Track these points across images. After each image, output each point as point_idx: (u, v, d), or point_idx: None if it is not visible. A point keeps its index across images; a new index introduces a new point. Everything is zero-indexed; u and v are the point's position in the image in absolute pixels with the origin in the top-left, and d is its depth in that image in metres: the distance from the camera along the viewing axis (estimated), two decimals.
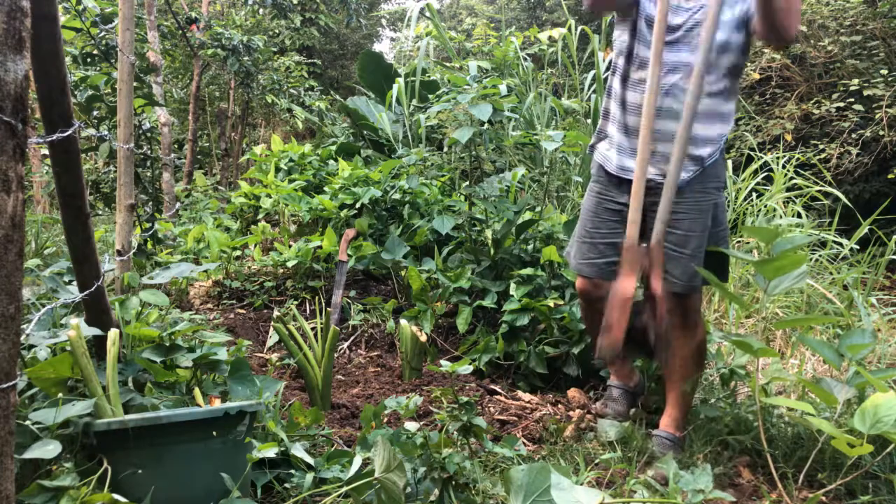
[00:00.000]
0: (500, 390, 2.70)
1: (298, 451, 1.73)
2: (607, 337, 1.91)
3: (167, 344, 1.93)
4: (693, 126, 1.93)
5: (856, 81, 5.82)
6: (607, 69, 2.63)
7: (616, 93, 2.16)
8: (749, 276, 3.81)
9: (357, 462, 1.53)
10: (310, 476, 1.64)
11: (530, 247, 3.25)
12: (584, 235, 2.28)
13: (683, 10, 2.03)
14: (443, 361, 1.85)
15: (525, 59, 5.61)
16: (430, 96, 4.03)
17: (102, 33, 2.99)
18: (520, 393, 2.69)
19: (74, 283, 1.72)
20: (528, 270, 2.98)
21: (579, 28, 5.81)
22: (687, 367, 2.16)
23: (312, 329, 2.90)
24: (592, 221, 2.25)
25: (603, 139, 2.27)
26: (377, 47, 16.54)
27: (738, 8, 2.00)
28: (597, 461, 2.01)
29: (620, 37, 2.15)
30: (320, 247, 3.74)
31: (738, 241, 4.19)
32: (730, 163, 4.90)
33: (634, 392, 2.48)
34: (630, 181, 2.04)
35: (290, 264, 3.74)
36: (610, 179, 2.21)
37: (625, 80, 2.12)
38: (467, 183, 3.57)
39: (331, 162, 5.54)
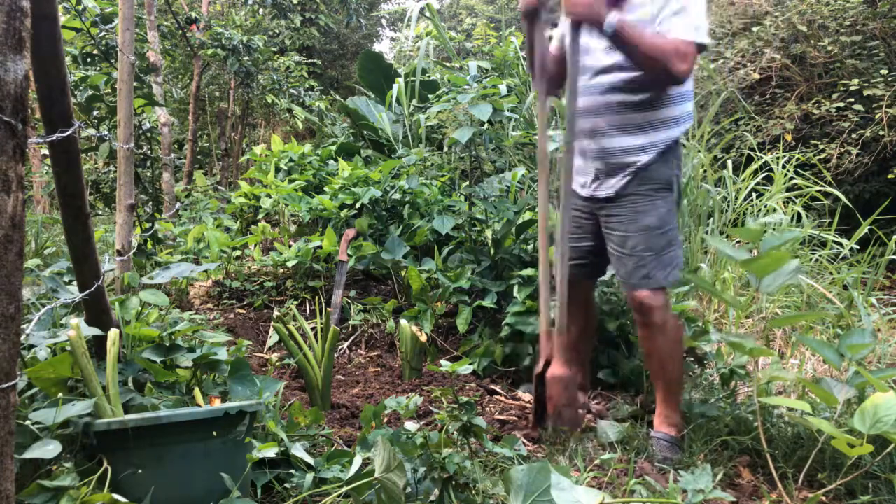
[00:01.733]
0: (500, 390, 2.70)
1: (298, 451, 1.73)
2: (562, 419, 2.13)
3: (167, 344, 1.93)
4: (619, 138, 2.17)
5: (856, 81, 5.82)
6: None
7: None
8: (748, 275, 3.81)
9: (357, 462, 1.53)
10: (310, 476, 1.64)
11: (530, 247, 3.25)
12: None
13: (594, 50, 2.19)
14: (443, 361, 1.85)
15: (525, 59, 5.60)
16: (430, 96, 4.03)
17: (102, 33, 2.99)
18: (520, 393, 2.69)
19: (74, 283, 1.72)
20: (528, 271, 2.98)
21: None
22: (663, 365, 2.19)
23: (312, 329, 2.90)
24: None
25: None
26: (377, 47, 16.53)
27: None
28: (597, 461, 2.01)
29: None
30: (320, 247, 3.74)
31: (738, 242, 4.19)
32: (730, 163, 4.90)
33: None
34: (581, 194, 2.32)
35: (290, 264, 3.74)
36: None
37: None
38: (467, 183, 3.57)
39: (331, 162, 5.54)
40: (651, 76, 2.09)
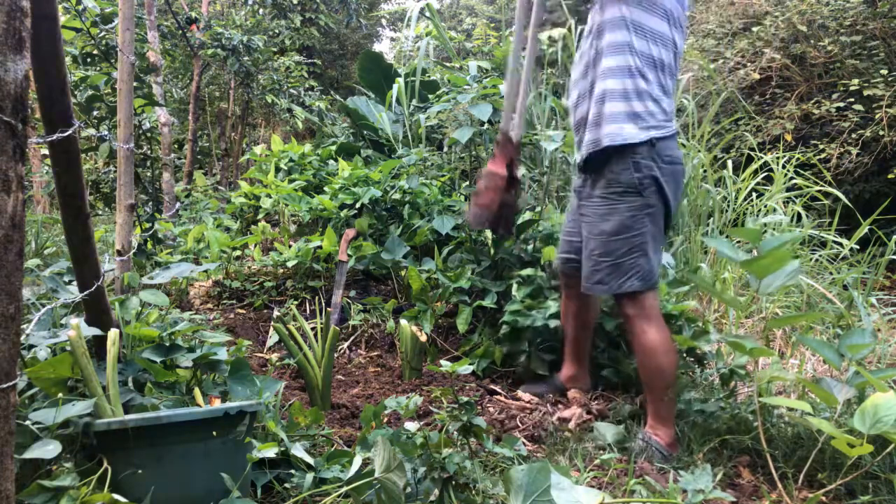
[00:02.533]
0: (500, 390, 2.70)
1: (298, 451, 1.73)
2: (483, 201, 2.26)
3: (167, 344, 1.93)
4: (588, 129, 2.20)
5: (856, 81, 5.82)
6: None
7: None
8: (747, 275, 3.81)
9: (357, 462, 1.53)
10: (310, 476, 1.64)
11: (530, 247, 3.25)
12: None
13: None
14: (443, 361, 1.85)
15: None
16: (430, 96, 4.03)
17: (102, 33, 2.99)
18: (520, 393, 2.69)
19: (74, 283, 1.72)
20: (528, 271, 2.98)
21: (579, 28, 5.80)
22: (644, 370, 2.18)
23: (312, 329, 2.90)
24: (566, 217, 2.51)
25: None
26: (377, 47, 16.54)
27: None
28: (597, 461, 2.01)
29: None
30: (320, 247, 3.74)
31: (738, 242, 4.19)
32: (730, 163, 4.90)
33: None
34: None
35: (290, 264, 3.74)
36: None
37: None
38: (467, 183, 3.57)
39: (331, 162, 5.54)
40: None
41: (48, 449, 1.37)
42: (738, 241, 4.19)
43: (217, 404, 1.73)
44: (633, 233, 2.13)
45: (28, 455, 1.35)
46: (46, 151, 1.56)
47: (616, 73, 2.12)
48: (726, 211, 4.46)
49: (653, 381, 2.15)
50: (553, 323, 2.71)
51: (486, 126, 3.15)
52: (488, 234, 3.37)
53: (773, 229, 4.13)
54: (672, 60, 2.17)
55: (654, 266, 2.17)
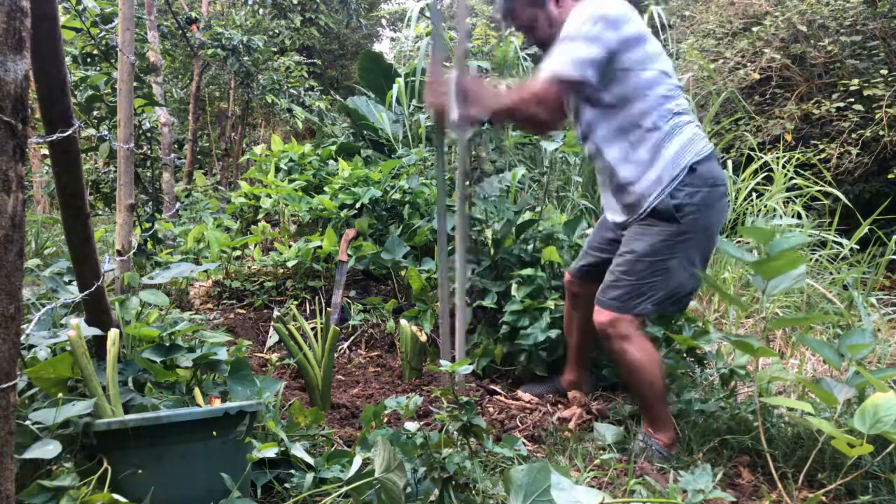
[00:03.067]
0: (500, 390, 2.70)
1: (298, 451, 1.73)
2: (432, 101, 2.15)
3: (167, 344, 1.93)
4: (610, 198, 2.25)
5: (856, 81, 5.82)
6: None
7: None
8: (749, 276, 3.81)
9: (357, 462, 1.53)
10: (310, 476, 1.64)
11: (530, 247, 3.25)
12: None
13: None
14: (443, 361, 1.85)
15: (525, 59, 5.60)
16: None
17: (102, 33, 2.99)
18: (520, 393, 2.69)
19: (74, 283, 1.72)
20: (528, 271, 2.98)
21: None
22: (632, 385, 2.21)
23: (312, 329, 2.90)
24: (593, 231, 2.49)
25: None
26: (377, 47, 16.54)
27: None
28: (597, 461, 2.01)
29: None
30: (320, 247, 3.74)
31: (738, 242, 4.19)
32: (730, 163, 4.90)
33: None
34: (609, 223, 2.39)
35: (290, 264, 3.74)
36: None
37: None
38: (467, 183, 3.56)
39: (331, 162, 5.53)
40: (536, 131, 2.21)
41: (48, 449, 1.37)
42: (739, 241, 4.19)
43: (217, 404, 1.73)
44: (661, 257, 2.10)
45: (28, 455, 1.35)
46: (46, 151, 1.56)
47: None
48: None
49: (642, 394, 2.16)
50: (554, 333, 2.72)
51: (486, 126, 3.15)
52: (488, 233, 3.37)
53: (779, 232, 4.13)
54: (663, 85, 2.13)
55: (674, 292, 2.13)
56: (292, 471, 1.71)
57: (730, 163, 4.89)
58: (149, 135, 3.50)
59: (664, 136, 2.07)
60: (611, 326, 2.13)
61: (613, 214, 2.29)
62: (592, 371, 2.77)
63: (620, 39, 2.01)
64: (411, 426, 1.73)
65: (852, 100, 5.93)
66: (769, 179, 4.81)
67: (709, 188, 2.07)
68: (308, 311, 3.58)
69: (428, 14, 5.92)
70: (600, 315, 2.17)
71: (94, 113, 3.15)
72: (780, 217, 4.24)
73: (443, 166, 2.39)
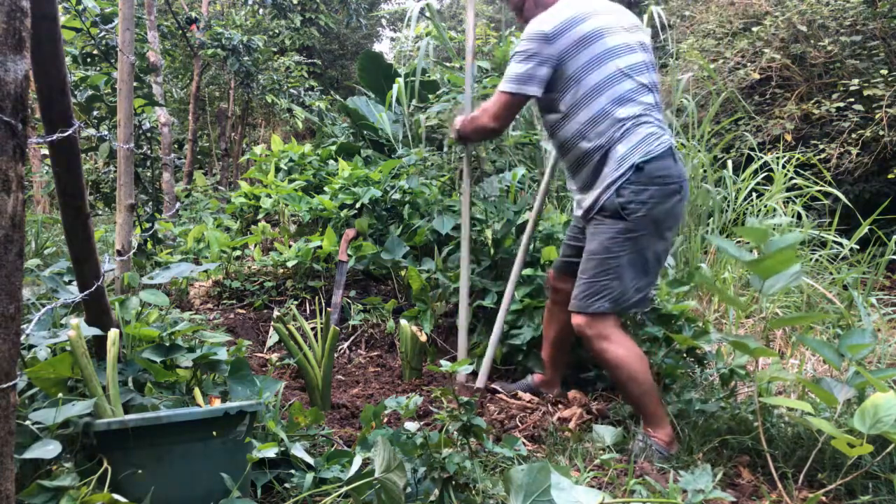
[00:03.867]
0: (500, 390, 2.70)
1: (298, 451, 1.73)
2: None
3: (167, 344, 1.93)
4: (570, 176, 2.34)
5: (856, 81, 5.82)
6: None
7: None
8: (748, 276, 3.82)
9: (357, 462, 1.53)
10: (310, 476, 1.64)
11: (530, 247, 3.25)
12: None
13: None
14: (443, 361, 1.85)
15: None
16: (430, 96, 4.03)
17: (102, 33, 2.99)
18: (520, 393, 2.69)
19: (74, 283, 1.72)
20: (528, 271, 2.98)
21: None
22: (616, 383, 2.23)
23: (312, 329, 2.90)
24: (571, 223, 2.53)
25: None
26: (377, 47, 16.54)
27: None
28: (597, 461, 2.01)
29: None
30: (320, 247, 3.74)
31: (738, 242, 4.19)
32: (730, 163, 4.90)
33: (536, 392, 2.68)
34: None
35: (290, 264, 3.74)
36: None
37: None
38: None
39: (331, 162, 5.54)
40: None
41: (48, 449, 1.37)
42: (739, 241, 4.19)
43: (217, 404, 1.73)
44: (609, 255, 2.14)
45: (28, 455, 1.35)
46: (46, 151, 1.56)
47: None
48: (726, 211, 4.46)
49: (629, 391, 2.17)
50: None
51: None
52: (488, 233, 3.37)
53: (775, 230, 4.13)
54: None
55: (629, 289, 2.15)
56: (292, 471, 1.71)
57: (730, 163, 4.89)
58: (149, 135, 3.50)
59: (613, 142, 2.14)
60: (587, 327, 2.17)
61: (577, 208, 2.38)
62: (593, 369, 2.78)
63: (561, 50, 2.15)
64: (411, 426, 1.73)
65: (852, 100, 5.94)
66: (769, 179, 4.81)
67: (658, 186, 2.10)
68: (308, 311, 3.57)
69: (428, 14, 5.92)
70: (574, 318, 2.23)
71: (94, 113, 3.15)
72: (781, 217, 4.24)
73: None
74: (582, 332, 2.20)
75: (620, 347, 2.14)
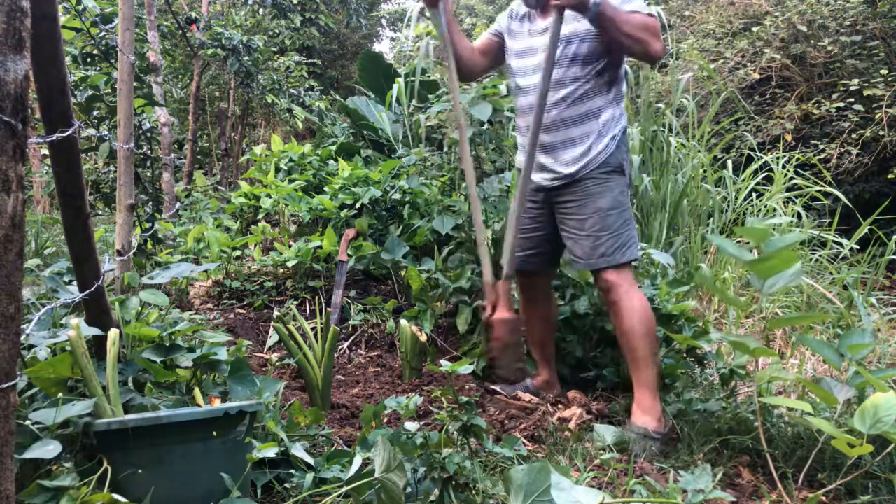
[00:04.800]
0: (500, 390, 2.70)
1: (298, 451, 1.73)
2: (504, 361, 2.28)
3: (167, 344, 1.93)
4: (564, 151, 2.31)
5: (856, 81, 5.82)
6: None
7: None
8: (748, 276, 3.81)
9: (357, 462, 1.53)
10: (310, 476, 1.64)
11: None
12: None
13: (537, 34, 2.35)
14: (443, 361, 1.85)
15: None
16: (430, 96, 4.02)
17: (102, 33, 2.99)
18: (520, 393, 2.69)
19: (74, 283, 1.72)
20: None
21: None
22: (630, 343, 2.23)
23: (312, 329, 2.90)
24: (521, 219, 2.48)
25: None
26: (377, 47, 16.53)
27: (581, 24, 2.23)
28: (597, 461, 2.01)
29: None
30: (320, 247, 3.74)
31: (738, 241, 4.18)
32: (730, 163, 4.90)
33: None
34: (534, 186, 2.41)
35: (290, 264, 3.74)
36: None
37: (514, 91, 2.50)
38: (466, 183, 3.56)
39: (331, 162, 5.53)
40: (626, 54, 2.27)
41: (48, 449, 1.37)
42: (739, 241, 4.19)
43: (217, 404, 1.73)
44: (624, 208, 2.31)
45: (28, 455, 1.35)
46: (46, 151, 1.56)
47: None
48: (726, 211, 4.47)
49: (643, 349, 2.21)
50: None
51: (486, 126, 3.15)
52: (488, 233, 3.37)
53: (774, 230, 4.13)
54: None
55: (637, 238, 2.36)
56: (292, 471, 1.71)
57: (730, 163, 4.89)
58: (149, 135, 3.50)
59: (619, 102, 2.36)
60: (622, 279, 2.25)
61: (545, 175, 2.42)
62: (593, 369, 2.78)
63: None
64: (411, 426, 1.73)
65: (852, 100, 5.94)
66: (769, 179, 4.81)
67: (628, 152, 2.44)
68: (308, 311, 3.57)
69: (428, 14, 5.92)
70: (603, 278, 2.28)
71: (94, 113, 3.15)
72: (781, 217, 4.24)
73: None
74: (614, 287, 2.25)
75: (643, 299, 2.27)
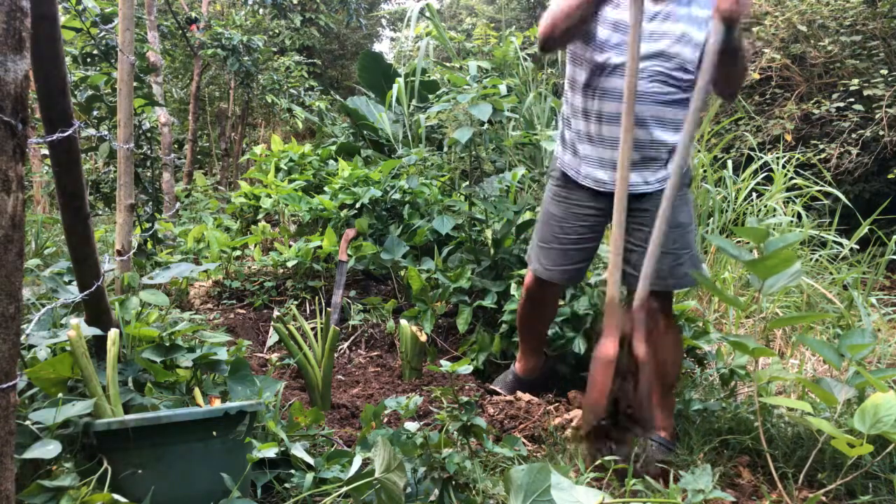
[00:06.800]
0: (500, 390, 2.70)
1: (298, 451, 1.73)
2: (589, 399, 1.78)
3: (167, 344, 1.93)
4: (657, 131, 2.03)
5: (856, 81, 5.82)
6: None
7: (578, 104, 2.13)
8: (748, 276, 3.82)
9: (357, 462, 1.53)
10: (310, 476, 1.64)
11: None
12: (554, 241, 2.27)
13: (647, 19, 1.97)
14: (443, 361, 1.85)
15: (525, 59, 5.60)
16: (430, 96, 4.03)
17: (102, 33, 2.99)
18: (520, 393, 2.69)
19: (74, 283, 1.72)
20: (526, 270, 2.98)
21: None
22: (670, 372, 2.17)
23: (312, 329, 2.90)
24: (562, 227, 2.24)
25: (567, 149, 2.24)
26: (377, 47, 16.52)
27: (703, 34, 1.97)
28: (597, 461, 2.01)
29: (576, 49, 2.10)
30: (320, 247, 3.74)
31: (738, 242, 4.19)
32: (730, 163, 4.90)
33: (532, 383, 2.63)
34: (600, 191, 2.12)
35: (290, 264, 3.74)
36: (578, 186, 2.21)
37: (587, 88, 2.09)
38: (467, 183, 3.56)
39: (331, 162, 5.54)
40: (721, 87, 2.00)
41: (48, 449, 1.37)
42: (739, 241, 4.19)
43: (217, 404, 1.73)
44: (693, 224, 2.15)
45: (28, 455, 1.35)
46: (46, 151, 1.56)
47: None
48: (726, 211, 4.46)
49: (675, 375, 2.19)
50: (551, 332, 2.72)
51: (485, 126, 3.15)
52: (488, 233, 3.37)
53: (774, 230, 4.13)
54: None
55: None
56: (292, 471, 1.71)
57: (730, 163, 4.89)
58: (149, 135, 3.50)
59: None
60: (672, 309, 2.17)
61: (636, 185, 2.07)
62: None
63: None
64: (411, 426, 1.73)
65: (852, 100, 5.93)
66: (769, 179, 4.81)
67: None
68: (308, 311, 3.57)
69: (428, 14, 5.92)
70: (669, 300, 2.17)
71: (94, 113, 3.15)
72: (781, 217, 4.24)
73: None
74: (668, 310, 2.15)
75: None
